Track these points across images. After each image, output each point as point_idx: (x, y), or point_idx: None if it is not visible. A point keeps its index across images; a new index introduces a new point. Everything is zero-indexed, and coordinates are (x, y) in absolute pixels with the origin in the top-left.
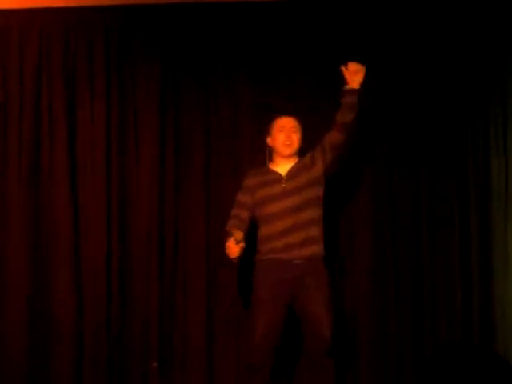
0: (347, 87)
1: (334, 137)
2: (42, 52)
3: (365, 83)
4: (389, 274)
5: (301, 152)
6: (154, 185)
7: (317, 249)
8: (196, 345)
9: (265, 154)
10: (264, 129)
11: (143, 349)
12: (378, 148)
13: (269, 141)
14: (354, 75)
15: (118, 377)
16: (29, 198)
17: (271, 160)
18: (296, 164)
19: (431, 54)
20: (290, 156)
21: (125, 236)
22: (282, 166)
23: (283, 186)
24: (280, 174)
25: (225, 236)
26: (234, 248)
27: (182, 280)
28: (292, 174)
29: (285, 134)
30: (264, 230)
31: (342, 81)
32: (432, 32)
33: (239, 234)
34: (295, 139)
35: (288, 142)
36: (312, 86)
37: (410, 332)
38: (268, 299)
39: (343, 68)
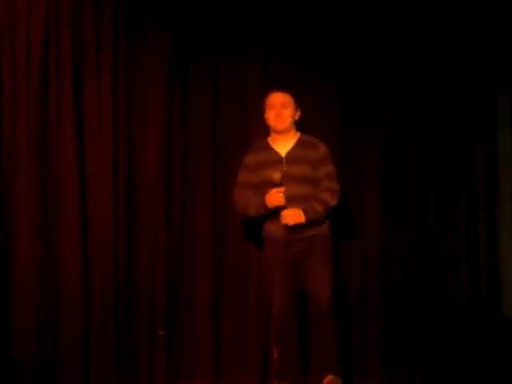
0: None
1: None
2: (50, 17)
3: (379, 49)
4: (396, 239)
5: (302, 127)
6: (161, 149)
7: (321, 226)
8: (203, 311)
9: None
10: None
11: (150, 316)
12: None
13: (264, 117)
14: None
15: (125, 344)
16: (36, 162)
17: (269, 135)
18: (296, 146)
19: (441, 27)
20: (284, 131)
21: (132, 201)
22: (281, 144)
23: (284, 169)
24: (280, 156)
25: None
26: (278, 197)
27: (188, 246)
28: (291, 158)
29: (275, 111)
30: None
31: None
32: (441, 5)
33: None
34: (286, 115)
35: (278, 119)
36: (320, 56)
37: (417, 296)
38: (278, 275)
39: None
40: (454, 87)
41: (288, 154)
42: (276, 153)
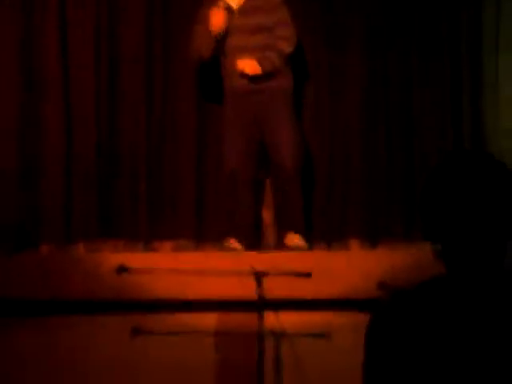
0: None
1: None
2: None
3: None
4: (380, 107)
5: None
6: None
7: (283, 80)
8: (185, 168)
9: None
10: None
11: (133, 171)
12: None
13: None
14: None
15: (108, 199)
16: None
17: None
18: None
19: None
20: None
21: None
22: None
23: (236, 21)
24: (231, 7)
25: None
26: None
27: (171, 106)
28: (245, 7)
29: None
30: (227, 64)
31: None
32: None
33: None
34: None
35: None
36: None
37: (400, 162)
38: (236, 129)
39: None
40: None
41: (241, 7)
42: (226, 3)
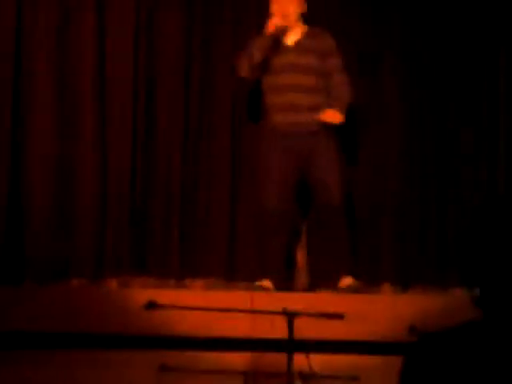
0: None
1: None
2: None
3: None
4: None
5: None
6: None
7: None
8: (218, 208)
9: None
10: None
11: (165, 210)
12: None
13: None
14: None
15: (140, 238)
16: (55, 58)
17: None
18: (304, 36)
19: None
20: (288, 26)
21: (150, 96)
22: (288, 34)
23: (291, 58)
24: (287, 44)
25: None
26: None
27: (206, 149)
28: (300, 46)
29: (279, 5)
30: (273, 100)
31: None
32: None
33: None
34: (291, 10)
35: (283, 14)
36: None
37: (434, 206)
38: (277, 164)
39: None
40: None
41: (297, 43)
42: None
